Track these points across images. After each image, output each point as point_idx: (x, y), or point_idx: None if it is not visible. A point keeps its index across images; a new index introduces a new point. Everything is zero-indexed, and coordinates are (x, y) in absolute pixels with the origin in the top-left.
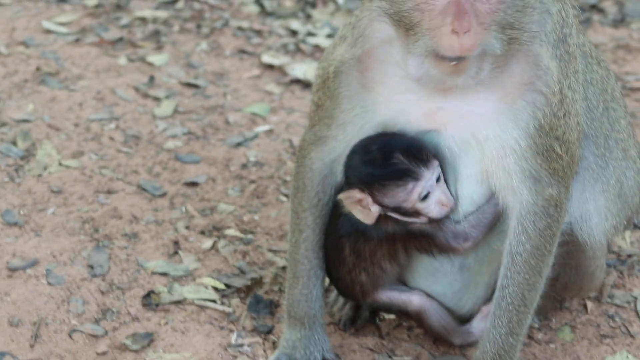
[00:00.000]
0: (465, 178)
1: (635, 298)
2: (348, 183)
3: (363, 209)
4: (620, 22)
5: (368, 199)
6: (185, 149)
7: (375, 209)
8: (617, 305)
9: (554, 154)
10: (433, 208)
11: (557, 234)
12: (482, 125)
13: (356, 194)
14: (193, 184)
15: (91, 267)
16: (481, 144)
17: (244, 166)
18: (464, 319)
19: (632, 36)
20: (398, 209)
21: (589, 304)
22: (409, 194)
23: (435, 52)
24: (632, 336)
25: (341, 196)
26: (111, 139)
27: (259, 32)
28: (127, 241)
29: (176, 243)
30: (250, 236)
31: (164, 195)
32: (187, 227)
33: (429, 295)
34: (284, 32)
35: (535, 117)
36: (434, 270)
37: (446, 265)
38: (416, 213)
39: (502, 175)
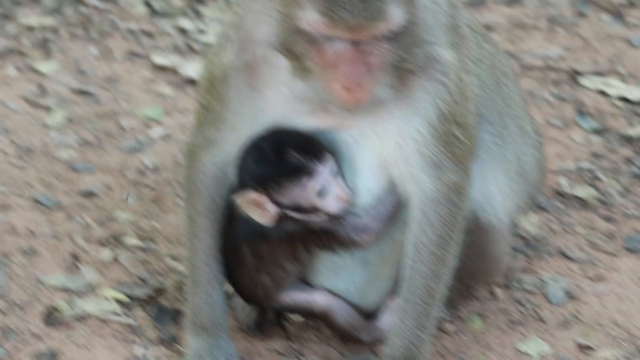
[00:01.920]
0: (363, 170)
1: (544, 282)
2: (243, 184)
3: (260, 210)
4: (514, 0)
5: (264, 199)
6: (79, 158)
7: (272, 209)
8: (526, 290)
9: (454, 139)
10: (331, 203)
11: (460, 222)
12: (382, 120)
13: (252, 195)
14: (89, 194)
15: None
16: (380, 136)
17: (141, 172)
18: (371, 314)
19: (527, 14)
20: (296, 208)
21: (498, 291)
22: (304, 191)
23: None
24: (542, 321)
25: (236, 198)
26: (3, 152)
27: (148, 33)
28: (25, 257)
29: (75, 256)
30: (150, 244)
31: (60, 207)
32: (86, 239)
33: (333, 293)
34: (173, 32)
35: (436, 106)
36: (335, 266)
37: (347, 261)
38: (314, 210)
39: (402, 164)
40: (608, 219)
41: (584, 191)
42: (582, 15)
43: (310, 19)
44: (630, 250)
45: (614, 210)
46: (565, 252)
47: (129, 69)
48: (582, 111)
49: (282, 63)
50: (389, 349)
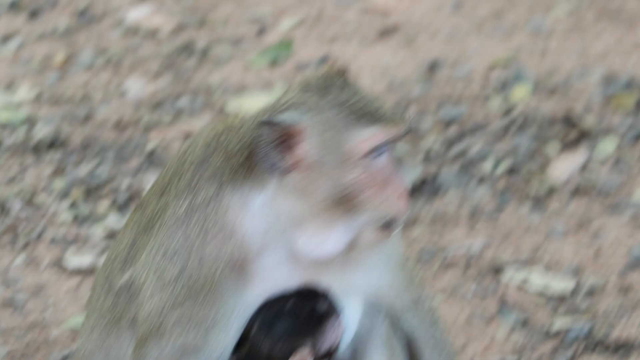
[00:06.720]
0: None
1: None
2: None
3: None
4: (434, 193)
5: (310, 354)
6: None
7: None
8: None
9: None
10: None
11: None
12: (360, 270)
13: (302, 353)
14: None
15: None
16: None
17: None
18: None
19: (448, 207)
20: (327, 352)
21: None
22: (338, 330)
23: (383, 220)
24: None
25: None
26: None
27: (75, 240)
28: None
29: None
30: None
31: None
32: None
33: None
34: (102, 235)
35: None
36: None
37: None
38: (335, 350)
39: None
40: None
41: None
42: (501, 207)
43: (366, 134)
44: None
45: None
46: None
47: (57, 276)
48: (504, 305)
49: (274, 244)
50: None
